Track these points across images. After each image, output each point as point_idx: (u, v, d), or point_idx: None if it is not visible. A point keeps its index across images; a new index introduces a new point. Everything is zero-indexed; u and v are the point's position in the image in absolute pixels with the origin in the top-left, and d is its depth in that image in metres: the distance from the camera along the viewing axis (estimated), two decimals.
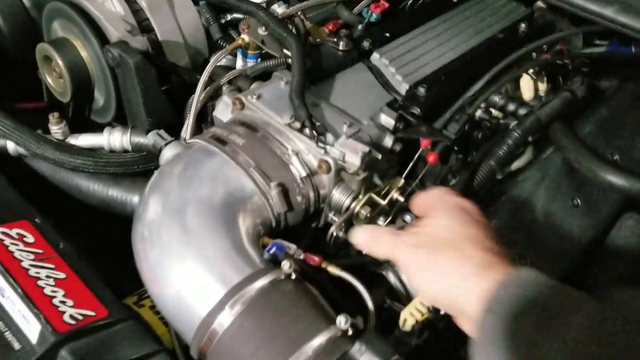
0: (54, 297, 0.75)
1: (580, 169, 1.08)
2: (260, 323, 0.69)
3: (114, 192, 0.96)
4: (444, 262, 0.68)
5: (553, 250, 1.06)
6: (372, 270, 0.95)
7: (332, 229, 0.88)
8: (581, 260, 1.10)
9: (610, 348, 0.53)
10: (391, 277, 0.95)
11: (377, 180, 0.95)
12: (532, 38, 1.24)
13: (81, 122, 1.10)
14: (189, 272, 0.74)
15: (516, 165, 1.14)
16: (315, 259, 0.81)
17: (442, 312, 0.85)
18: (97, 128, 1.07)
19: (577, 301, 0.58)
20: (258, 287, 0.72)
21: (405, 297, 0.94)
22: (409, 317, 0.71)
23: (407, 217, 0.90)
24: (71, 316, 0.73)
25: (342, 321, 0.69)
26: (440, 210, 0.75)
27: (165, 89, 1.05)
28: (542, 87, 1.21)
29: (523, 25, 1.28)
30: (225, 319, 0.70)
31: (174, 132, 0.97)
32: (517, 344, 0.57)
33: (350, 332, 0.70)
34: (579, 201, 1.10)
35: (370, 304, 0.79)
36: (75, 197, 0.99)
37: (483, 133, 1.12)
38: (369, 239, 0.79)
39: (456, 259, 0.68)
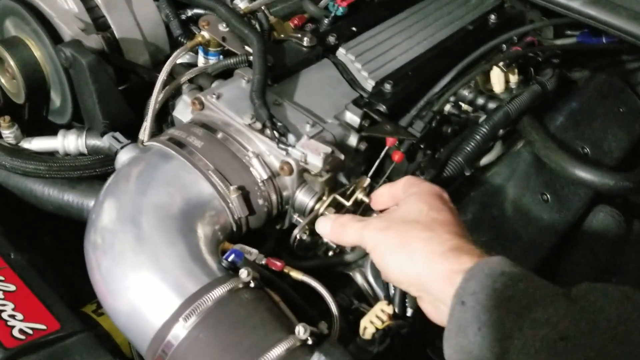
0: (3, 311, 0.72)
1: (549, 164, 1.07)
2: (216, 334, 0.67)
3: (70, 197, 0.93)
4: (413, 243, 0.67)
5: (523, 246, 1.04)
6: (339, 271, 0.94)
7: (296, 231, 0.86)
8: (551, 255, 1.09)
9: (580, 349, 0.53)
10: (358, 278, 0.94)
11: (342, 179, 0.94)
12: (503, 29, 1.22)
13: (39, 123, 1.07)
14: (143, 282, 0.71)
15: (486, 160, 1.12)
16: (277, 264, 0.79)
17: (408, 314, 0.84)
18: (57, 128, 1.03)
19: (546, 297, 0.58)
20: (215, 297, 0.69)
21: (372, 298, 0.93)
22: (369, 325, 0.69)
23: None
24: (21, 331, 0.71)
25: (301, 331, 0.68)
26: (411, 196, 0.74)
27: (123, 88, 1.02)
28: (513, 78, 1.19)
29: (493, 17, 1.27)
30: (180, 331, 0.68)
31: (134, 133, 0.94)
32: (488, 338, 0.57)
33: (310, 342, 0.68)
34: (548, 196, 1.09)
35: (334, 309, 0.78)
36: (31, 203, 0.96)
37: (452, 128, 1.11)
38: (335, 227, 0.78)
39: (427, 239, 0.67)
